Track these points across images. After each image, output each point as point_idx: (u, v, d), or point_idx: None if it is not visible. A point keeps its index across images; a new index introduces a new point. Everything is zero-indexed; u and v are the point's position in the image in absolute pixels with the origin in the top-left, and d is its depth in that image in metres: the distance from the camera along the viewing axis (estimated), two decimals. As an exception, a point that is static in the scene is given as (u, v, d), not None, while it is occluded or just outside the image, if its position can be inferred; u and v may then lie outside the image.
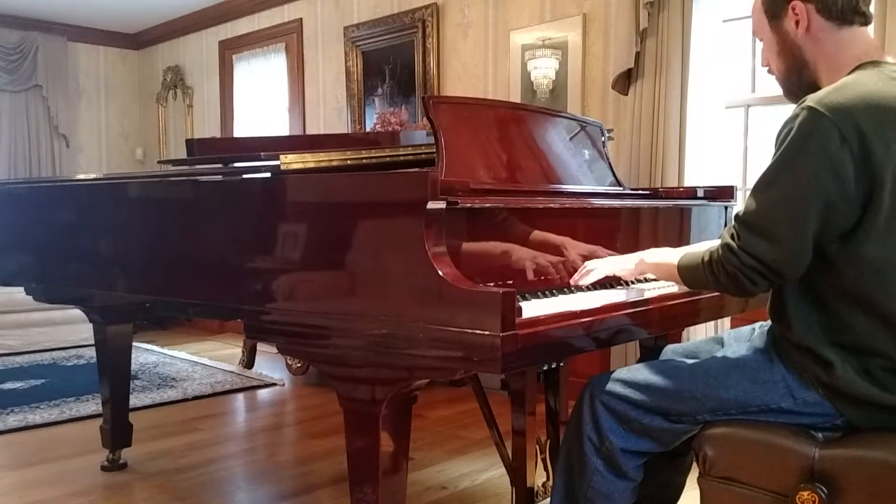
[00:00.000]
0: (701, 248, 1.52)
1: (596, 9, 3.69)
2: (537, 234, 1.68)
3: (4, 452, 3.10)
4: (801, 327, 1.42)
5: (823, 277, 1.39)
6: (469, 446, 3.07)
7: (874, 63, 1.42)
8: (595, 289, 1.69)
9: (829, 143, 1.29)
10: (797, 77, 1.51)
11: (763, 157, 3.39)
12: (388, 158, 1.90)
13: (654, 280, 1.82)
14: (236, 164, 1.96)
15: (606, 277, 1.69)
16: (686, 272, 1.50)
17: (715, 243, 1.46)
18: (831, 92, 1.34)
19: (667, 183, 3.26)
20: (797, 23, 1.46)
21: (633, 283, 1.82)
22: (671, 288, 1.78)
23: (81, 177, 3.17)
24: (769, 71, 1.59)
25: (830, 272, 1.38)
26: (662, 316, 1.72)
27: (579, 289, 1.68)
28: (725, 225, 2.37)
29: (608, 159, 2.37)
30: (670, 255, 1.58)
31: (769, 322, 1.61)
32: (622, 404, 1.53)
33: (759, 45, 1.59)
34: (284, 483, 2.74)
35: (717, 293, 1.85)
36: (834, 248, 1.36)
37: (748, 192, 1.42)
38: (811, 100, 1.34)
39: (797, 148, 1.32)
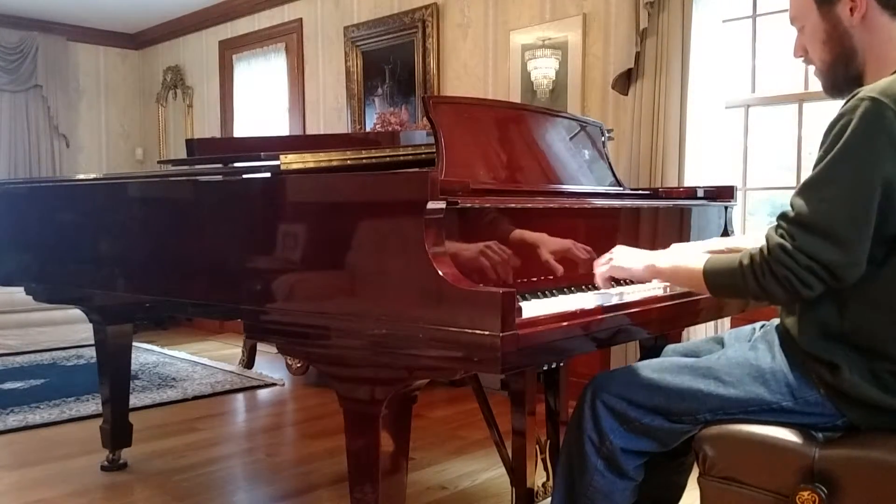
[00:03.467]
0: (720, 246, 1.46)
1: (596, 9, 3.69)
2: (537, 235, 1.68)
3: (4, 452, 3.09)
4: (813, 325, 1.41)
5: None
6: (469, 446, 3.07)
7: None
8: (595, 287, 1.69)
9: (892, 132, 1.24)
10: (843, 68, 1.44)
11: (763, 157, 3.40)
12: (388, 158, 1.90)
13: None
14: (236, 164, 1.96)
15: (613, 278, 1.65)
16: (716, 278, 1.41)
17: (726, 241, 1.40)
18: (891, 84, 1.29)
19: (667, 183, 3.26)
20: (852, 10, 1.39)
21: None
22: (670, 288, 1.77)
23: (81, 177, 3.17)
24: (804, 60, 1.51)
25: (865, 274, 1.32)
26: (662, 316, 1.71)
27: (579, 288, 1.67)
28: (725, 225, 2.37)
29: (608, 159, 2.37)
30: (689, 260, 1.49)
31: (772, 321, 1.61)
32: (623, 404, 1.53)
33: (794, 33, 1.51)
34: (284, 483, 2.74)
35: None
36: (876, 248, 1.31)
37: (797, 189, 1.34)
38: (871, 91, 1.28)
39: (859, 138, 1.26)
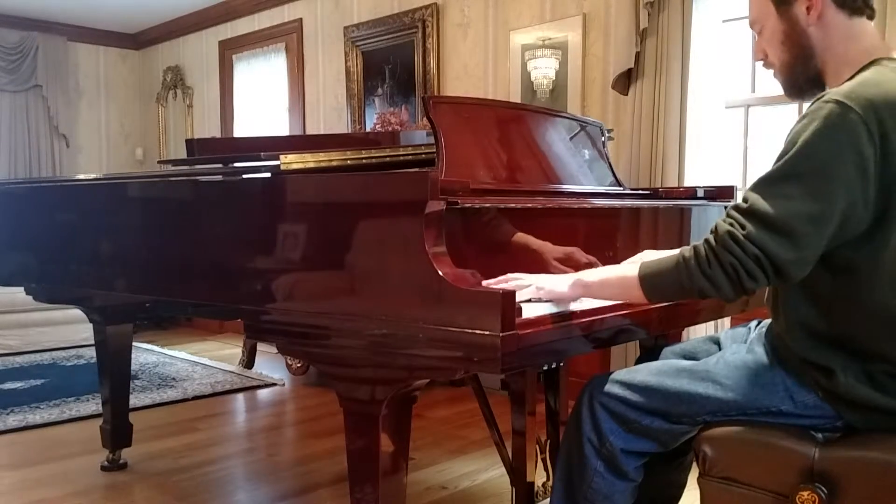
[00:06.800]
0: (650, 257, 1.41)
1: (596, 9, 3.69)
2: (537, 234, 1.68)
3: (4, 452, 3.10)
4: (802, 331, 1.40)
5: (833, 281, 1.35)
6: (469, 446, 3.07)
7: (890, 59, 1.37)
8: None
9: (857, 139, 1.24)
10: (802, 68, 1.44)
11: (763, 156, 3.40)
12: (388, 158, 1.90)
13: None
14: (236, 165, 1.96)
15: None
16: (653, 279, 1.36)
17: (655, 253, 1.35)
18: (856, 87, 1.29)
19: (667, 183, 3.26)
20: (809, 9, 1.39)
21: None
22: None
23: (81, 177, 3.17)
24: (765, 64, 1.51)
25: (842, 277, 1.34)
26: (662, 316, 1.71)
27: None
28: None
29: (608, 159, 2.37)
30: (619, 269, 1.47)
31: (766, 321, 1.61)
32: (621, 405, 1.53)
33: (755, 36, 1.51)
34: (284, 483, 2.74)
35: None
36: (846, 251, 1.32)
37: (752, 185, 1.32)
38: (837, 94, 1.28)
39: (824, 141, 1.25)
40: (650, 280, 1.37)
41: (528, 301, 1.43)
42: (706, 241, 1.32)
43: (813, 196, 1.25)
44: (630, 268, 1.42)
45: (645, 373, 1.55)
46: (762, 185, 1.30)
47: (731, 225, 1.29)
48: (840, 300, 1.36)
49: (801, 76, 1.45)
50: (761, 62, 1.52)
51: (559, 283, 1.46)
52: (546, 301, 1.46)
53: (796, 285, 1.38)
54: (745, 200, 1.31)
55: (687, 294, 1.36)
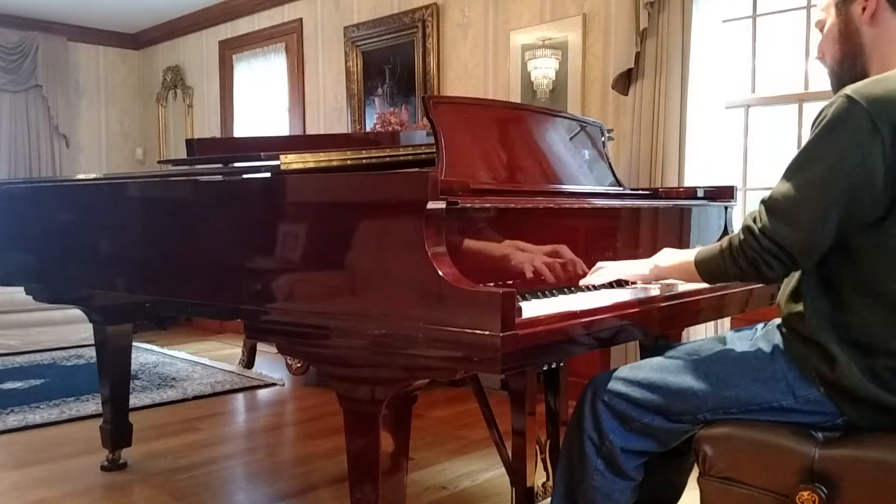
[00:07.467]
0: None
1: (596, 9, 3.69)
2: (537, 235, 1.68)
3: (4, 452, 3.10)
4: (813, 318, 1.42)
5: (845, 269, 1.38)
6: (469, 446, 3.07)
7: None
8: (596, 288, 1.69)
9: (859, 131, 1.29)
10: (850, 65, 1.49)
11: (763, 157, 3.40)
12: (388, 158, 1.90)
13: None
14: (236, 164, 1.96)
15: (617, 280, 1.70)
16: (704, 264, 1.49)
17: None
18: (870, 83, 1.33)
19: (667, 183, 3.26)
20: (864, 8, 1.45)
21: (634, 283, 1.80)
22: (671, 287, 1.78)
23: (81, 177, 3.17)
24: (822, 61, 1.56)
25: (853, 264, 1.37)
26: (662, 316, 1.72)
27: (579, 288, 1.68)
28: (725, 225, 2.37)
29: (608, 159, 2.37)
30: (685, 254, 1.59)
31: (773, 321, 1.62)
32: (623, 403, 1.53)
33: (815, 35, 1.58)
34: (284, 483, 2.74)
35: (717, 291, 1.86)
36: (859, 238, 1.35)
37: (777, 180, 1.42)
38: (848, 89, 1.33)
39: (827, 133, 1.32)
40: (702, 264, 1.50)
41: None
42: (738, 232, 1.42)
43: (814, 184, 1.33)
44: (691, 252, 1.55)
45: (647, 369, 1.56)
46: (780, 179, 1.39)
47: (753, 220, 1.39)
48: (851, 289, 1.38)
49: (848, 75, 1.49)
50: (819, 59, 1.58)
51: (641, 268, 1.67)
52: (632, 281, 1.73)
53: (813, 274, 1.43)
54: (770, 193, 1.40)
55: (731, 277, 1.48)
